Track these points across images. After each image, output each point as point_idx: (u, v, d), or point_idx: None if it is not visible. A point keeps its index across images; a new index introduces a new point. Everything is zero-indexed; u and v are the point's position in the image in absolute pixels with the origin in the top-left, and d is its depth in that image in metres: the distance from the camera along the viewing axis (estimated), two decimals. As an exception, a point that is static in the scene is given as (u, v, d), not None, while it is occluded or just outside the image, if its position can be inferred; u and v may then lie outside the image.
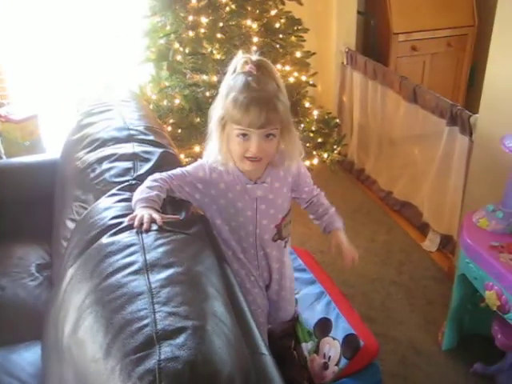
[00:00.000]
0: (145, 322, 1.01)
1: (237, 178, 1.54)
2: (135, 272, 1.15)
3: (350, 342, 1.82)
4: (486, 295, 1.89)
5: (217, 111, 1.45)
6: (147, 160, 1.67)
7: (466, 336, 2.33)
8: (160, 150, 1.72)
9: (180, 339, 0.97)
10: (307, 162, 2.86)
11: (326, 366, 1.86)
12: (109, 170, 1.66)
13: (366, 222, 3.21)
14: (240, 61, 1.45)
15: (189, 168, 1.56)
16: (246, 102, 1.36)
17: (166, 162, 1.68)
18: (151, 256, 1.20)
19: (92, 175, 1.69)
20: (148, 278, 1.13)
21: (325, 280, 2.15)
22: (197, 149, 2.68)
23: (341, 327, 1.89)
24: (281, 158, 1.54)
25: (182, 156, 2.66)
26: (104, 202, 1.48)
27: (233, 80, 1.43)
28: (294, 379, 1.89)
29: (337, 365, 1.82)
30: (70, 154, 1.95)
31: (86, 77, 3.28)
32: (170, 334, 0.98)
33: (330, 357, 1.85)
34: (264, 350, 1.22)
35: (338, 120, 3.33)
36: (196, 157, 2.57)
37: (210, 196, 1.56)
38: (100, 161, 1.73)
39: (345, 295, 2.13)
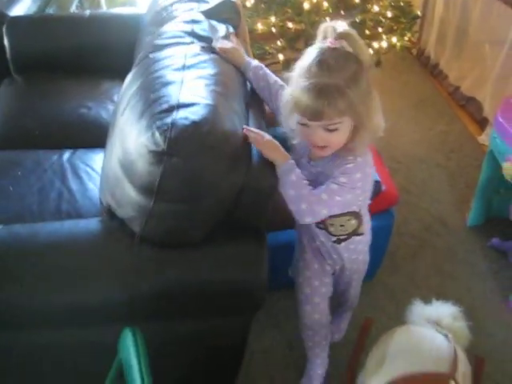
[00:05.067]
0: (171, 98, 1.32)
1: (304, 148, 1.46)
2: (175, 70, 1.46)
3: (373, 187, 2.05)
4: (504, 166, 2.04)
5: (288, 88, 1.36)
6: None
7: (493, 217, 2.50)
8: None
9: (194, 108, 1.27)
10: (375, 44, 2.99)
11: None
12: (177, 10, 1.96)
13: (429, 112, 3.33)
14: (321, 31, 1.31)
15: None
16: (304, 89, 1.25)
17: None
18: (190, 62, 1.50)
19: (164, 14, 2.00)
20: (183, 74, 1.43)
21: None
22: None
23: (369, 176, 2.12)
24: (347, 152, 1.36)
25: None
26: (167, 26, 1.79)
27: (308, 54, 1.29)
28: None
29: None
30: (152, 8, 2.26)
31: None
32: (187, 105, 1.29)
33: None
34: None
35: (419, 12, 3.37)
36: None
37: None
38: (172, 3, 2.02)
39: (378, 152, 2.33)
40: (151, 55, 1.62)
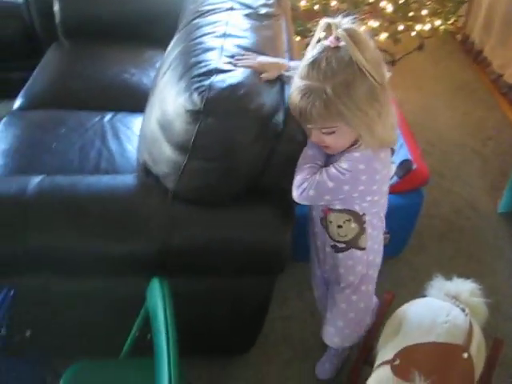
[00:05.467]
0: (211, 62, 1.38)
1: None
2: (216, 37, 1.51)
3: (404, 165, 2.07)
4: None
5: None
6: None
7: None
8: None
9: (232, 73, 1.33)
10: (418, 26, 2.98)
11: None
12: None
13: (468, 98, 3.30)
14: (323, 26, 1.21)
15: None
16: (294, 89, 1.22)
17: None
18: (231, 29, 1.54)
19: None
20: (223, 42, 1.48)
21: (400, 119, 2.35)
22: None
23: (401, 153, 2.13)
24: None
25: None
26: None
27: (308, 51, 1.23)
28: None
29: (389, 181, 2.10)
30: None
31: None
32: (225, 71, 1.34)
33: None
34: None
35: (466, -5, 3.32)
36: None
37: None
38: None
39: (413, 135, 2.34)
40: (194, 21, 1.68)
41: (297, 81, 1.21)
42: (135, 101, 2.12)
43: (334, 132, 1.22)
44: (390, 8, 2.86)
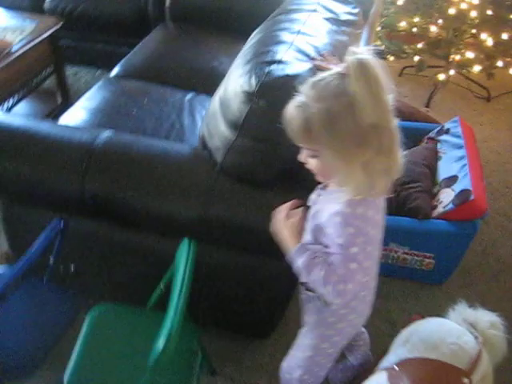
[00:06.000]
0: (277, 53, 1.47)
1: None
2: (290, 33, 1.61)
3: (462, 194, 2.07)
4: None
5: None
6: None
7: None
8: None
9: (293, 66, 1.42)
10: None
11: (434, 207, 2.15)
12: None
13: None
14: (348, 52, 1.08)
15: None
16: (292, 104, 1.13)
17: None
18: (306, 28, 1.64)
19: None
20: (295, 38, 1.57)
21: (472, 151, 2.33)
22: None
23: (463, 183, 2.13)
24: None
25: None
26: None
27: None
28: (423, 205, 2.16)
29: (444, 207, 2.10)
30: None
31: None
32: (288, 63, 1.43)
33: (442, 201, 2.14)
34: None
35: None
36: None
37: None
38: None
39: (482, 168, 2.31)
40: (277, 17, 1.79)
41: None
42: (216, 86, 2.26)
43: (316, 156, 1.15)
44: (490, 42, 2.82)
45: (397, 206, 2.19)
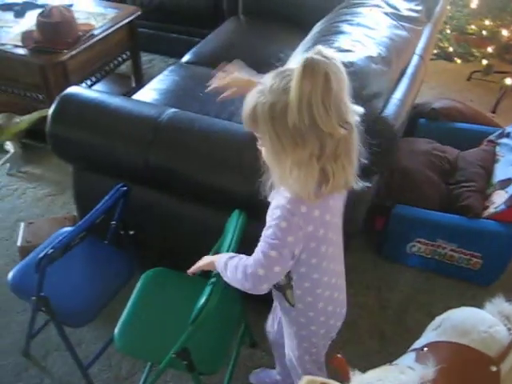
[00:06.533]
0: (335, 42, 1.56)
1: None
2: (349, 24, 1.68)
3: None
4: None
5: None
6: None
7: None
8: None
9: (348, 54, 1.50)
10: None
11: (486, 208, 2.16)
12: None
13: None
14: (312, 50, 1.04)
15: None
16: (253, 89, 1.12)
17: None
18: (365, 21, 1.70)
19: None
20: (354, 29, 1.65)
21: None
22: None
23: (518, 186, 2.14)
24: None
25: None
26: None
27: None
28: (474, 204, 2.19)
29: (495, 208, 2.11)
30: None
31: None
32: (344, 50, 1.51)
33: (494, 203, 2.14)
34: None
35: None
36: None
37: None
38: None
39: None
40: (340, 10, 1.86)
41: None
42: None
43: (261, 145, 1.15)
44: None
45: (448, 203, 2.21)
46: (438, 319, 1.55)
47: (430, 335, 1.48)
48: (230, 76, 1.51)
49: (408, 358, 1.43)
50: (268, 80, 1.08)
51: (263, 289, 1.19)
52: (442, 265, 2.21)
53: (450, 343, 1.41)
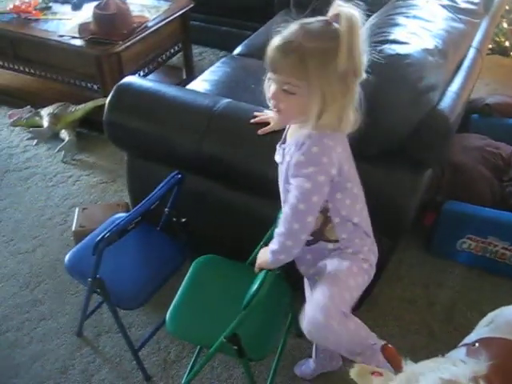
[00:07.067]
0: (391, 34, 1.55)
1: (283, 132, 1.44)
2: (405, 17, 1.67)
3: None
4: None
5: None
6: None
7: None
8: None
9: (405, 46, 1.49)
10: None
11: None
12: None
13: None
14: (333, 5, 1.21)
15: None
16: (278, 39, 1.21)
17: None
18: (422, 13, 1.69)
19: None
20: (410, 21, 1.63)
21: None
22: None
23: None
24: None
25: None
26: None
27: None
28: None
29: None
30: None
31: None
32: (400, 42, 1.51)
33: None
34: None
35: None
36: None
37: None
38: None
39: None
40: (397, 3, 1.85)
41: (283, 32, 1.21)
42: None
43: (293, 94, 1.20)
44: None
45: (502, 200, 2.17)
46: (490, 315, 1.54)
47: (481, 331, 1.47)
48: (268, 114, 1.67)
49: (459, 353, 1.42)
50: (294, 31, 1.20)
51: (309, 221, 1.27)
52: (492, 263, 2.17)
53: (503, 339, 1.39)
